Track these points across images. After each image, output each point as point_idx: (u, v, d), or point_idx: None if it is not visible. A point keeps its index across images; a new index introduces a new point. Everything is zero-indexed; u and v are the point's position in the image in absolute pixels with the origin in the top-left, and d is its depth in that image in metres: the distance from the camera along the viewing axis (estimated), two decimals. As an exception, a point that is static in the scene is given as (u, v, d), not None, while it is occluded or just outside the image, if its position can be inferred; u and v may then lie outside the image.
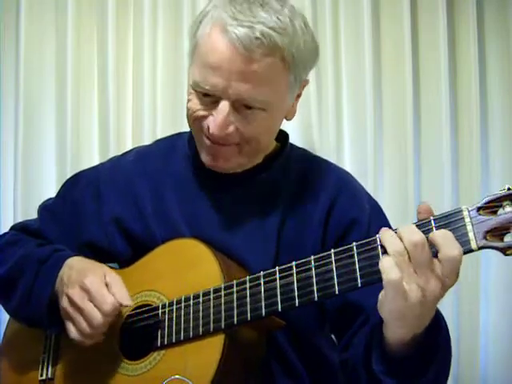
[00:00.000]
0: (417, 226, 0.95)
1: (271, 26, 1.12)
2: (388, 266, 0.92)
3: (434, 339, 1.01)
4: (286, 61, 1.16)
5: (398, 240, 0.93)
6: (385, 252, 0.94)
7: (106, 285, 1.19)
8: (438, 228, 0.93)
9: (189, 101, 1.22)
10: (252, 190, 1.30)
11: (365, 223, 1.26)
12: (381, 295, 0.95)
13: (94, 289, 1.18)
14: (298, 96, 1.28)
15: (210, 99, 1.18)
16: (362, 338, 1.11)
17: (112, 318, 1.18)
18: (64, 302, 1.21)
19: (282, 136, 1.39)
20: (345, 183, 1.34)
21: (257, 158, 1.29)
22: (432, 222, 0.93)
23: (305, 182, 1.31)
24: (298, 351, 1.24)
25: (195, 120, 1.22)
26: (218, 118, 1.16)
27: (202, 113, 1.20)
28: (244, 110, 1.18)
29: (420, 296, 0.91)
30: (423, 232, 0.93)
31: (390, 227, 1.28)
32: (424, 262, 0.91)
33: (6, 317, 1.41)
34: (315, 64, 1.27)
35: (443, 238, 0.91)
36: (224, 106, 1.16)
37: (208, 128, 1.19)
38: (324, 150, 2.06)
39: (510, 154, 2.20)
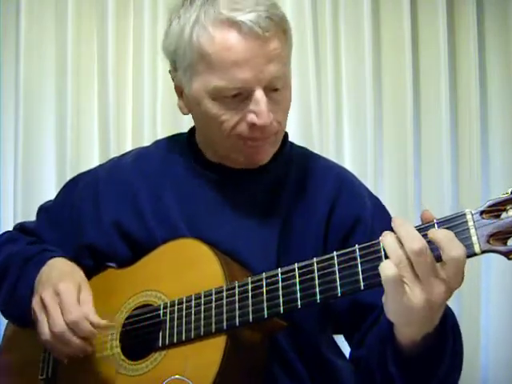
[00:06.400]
0: (420, 229, 0.94)
1: (267, 3, 1.15)
2: (384, 266, 0.92)
3: (444, 338, 1.01)
4: (286, 33, 1.20)
5: (399, 246, 0.92)
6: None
7: (78, 301, 1.17)
8: None
9: (219, 116, 1.18)
10: (252, 189, 1.29)
11: (368, 221, 1.26)
12: (383, 297, 0.95)
13: (65, 295, 1.16)
14: None
15: (238, 99, 1.16)
16: (375, 337, 1.11)
17: (82, 332, 1.15)
18: (34, 301, 1.20)
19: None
20: (345, 181, 1.34)
21: None
22: (435, 225, 0.93)
23: (305, 181, 1.31)
24: (299, 353, 1.24)
25: (230, 131, 1.19)
26: (261, 108, 1.15)
27: (234, 119, 1.17)
28: (271, 94, 1.17)
29: (424, 300, 0.91)
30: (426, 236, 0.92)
31: None
32: (427, 268, 0.90)
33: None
34: None
35: (446, 238, 0.90)
36: (260, 94, 1.15)
37: (251, 127, 1.17)
38: (324, 150, 2.06)
39: (510, 153, 2.21)
